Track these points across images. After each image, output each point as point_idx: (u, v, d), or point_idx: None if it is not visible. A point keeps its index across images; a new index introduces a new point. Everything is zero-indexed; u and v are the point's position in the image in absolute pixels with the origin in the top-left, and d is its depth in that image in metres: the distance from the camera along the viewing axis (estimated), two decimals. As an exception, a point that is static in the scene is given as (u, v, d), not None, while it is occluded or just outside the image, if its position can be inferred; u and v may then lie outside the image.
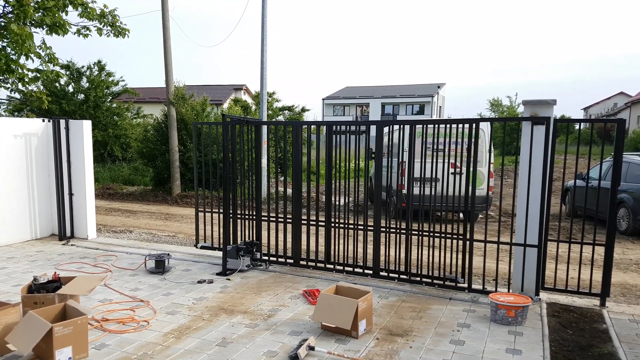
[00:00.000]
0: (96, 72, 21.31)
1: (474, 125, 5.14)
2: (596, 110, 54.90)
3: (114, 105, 22.31)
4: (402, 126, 6.08)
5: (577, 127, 6.00)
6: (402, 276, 5.62)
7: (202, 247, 7.22)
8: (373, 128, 5.78)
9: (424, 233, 5.48)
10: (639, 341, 4.08)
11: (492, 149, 7.48)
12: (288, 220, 6.30)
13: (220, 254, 6.96)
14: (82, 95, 20.97)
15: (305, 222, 6.18)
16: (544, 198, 4.89)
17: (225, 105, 29.65)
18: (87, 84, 21.13)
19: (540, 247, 4.95)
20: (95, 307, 4.70)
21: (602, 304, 4.93)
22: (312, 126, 6.04)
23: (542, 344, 3.96)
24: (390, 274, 5.70)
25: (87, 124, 7.89)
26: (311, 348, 3.74)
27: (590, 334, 4.24)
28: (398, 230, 5.67)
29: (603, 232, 5.08)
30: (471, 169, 5.09)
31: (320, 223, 6.12)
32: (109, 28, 9.38)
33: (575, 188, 10.08)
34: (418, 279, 5.52)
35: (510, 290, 5.15)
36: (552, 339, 4.11)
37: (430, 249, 5.60)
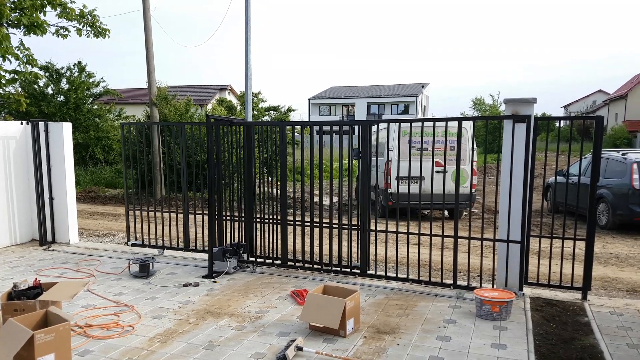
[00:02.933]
0: (76, 73, 20.88)
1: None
2: (576, 108, 56.03)
3: (95, 106, 21.91)
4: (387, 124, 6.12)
5: (557, 124, 6.11)
6: (389, 274, 5.65)
7: (133, 245, 7.22)
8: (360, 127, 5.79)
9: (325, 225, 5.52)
10: (620, 333, 4.18)
11: (475, 147, 7.58)
12: (276, 221, 6.27)
13: (155, 251, 7.06)
14: (62, 97, 20.54)
15: (291, 222, 6.17)
16: (526, 195, 4.97)
17: (209, 106, 29.41)
18: (67, 86, 20.69)
19: (522, 243, 5.03)
20: (78, 313, 4.62)
21: (583, 297, 5.03)
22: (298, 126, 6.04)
23: (526, 338, 4.03)
24: (377, 272, 5.72)
25: (67, 126, 7.75)
26: (299, 348, 3.74)
27: (573, 327, 4.33)
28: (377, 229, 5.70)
29: (584, 227, 5.18)
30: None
31: (306, 223, 6.11)
32: (88, 28, 9.25)
33: (556, 184, 10.28)
34: (405, 276, 5.56)
35: (495, 286, 5.23)
36: (535, 332, 4.18)
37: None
